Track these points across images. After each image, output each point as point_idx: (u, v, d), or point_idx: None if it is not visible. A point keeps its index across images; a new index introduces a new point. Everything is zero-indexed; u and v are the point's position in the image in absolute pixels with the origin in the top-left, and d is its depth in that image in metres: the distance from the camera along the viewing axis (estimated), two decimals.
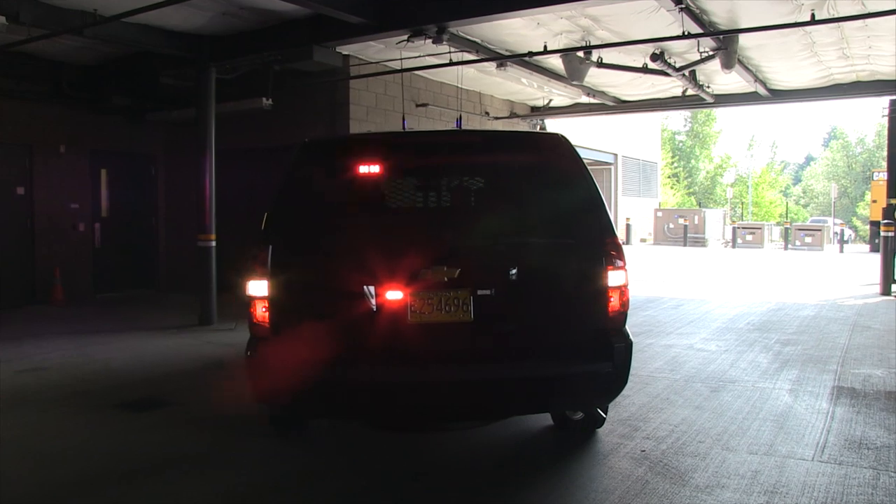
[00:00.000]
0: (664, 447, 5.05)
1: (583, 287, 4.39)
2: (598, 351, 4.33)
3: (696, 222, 32.28)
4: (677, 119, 59.98)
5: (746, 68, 11.84)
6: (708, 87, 13.37)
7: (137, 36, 9.62)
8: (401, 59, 10.51)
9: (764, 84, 13.18)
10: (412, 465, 4.85)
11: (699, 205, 52.78)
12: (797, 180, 74.75)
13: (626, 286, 4.40)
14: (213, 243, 10.53)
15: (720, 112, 58.04)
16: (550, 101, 15.62)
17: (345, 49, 10.78)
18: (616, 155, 27.97)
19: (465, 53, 10.26)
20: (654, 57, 10.57)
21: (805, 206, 65.69)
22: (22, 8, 8.26)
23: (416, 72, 12.14)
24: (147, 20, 9.18)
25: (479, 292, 4.23)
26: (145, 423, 5.88)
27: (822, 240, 29.89)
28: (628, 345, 4.41)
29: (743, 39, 10.16)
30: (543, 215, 4.47)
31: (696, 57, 10.67)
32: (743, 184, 57.91)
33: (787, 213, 42.75)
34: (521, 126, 16.50)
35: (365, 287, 4.22)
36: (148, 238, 14.48)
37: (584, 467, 4.79)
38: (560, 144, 4.56)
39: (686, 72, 11.64)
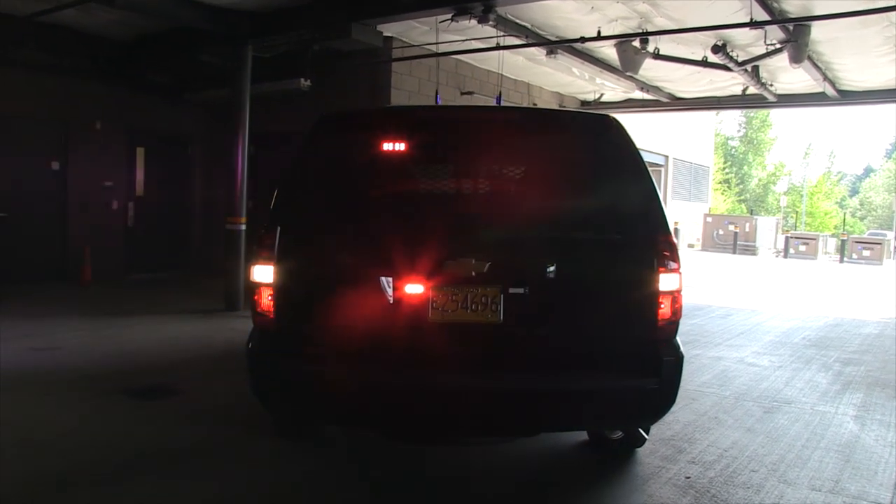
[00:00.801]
0: (712, 474, 4.47)
1: (630, 290, 3.82)
2: (644, 364, 3.76)
3: (748, 230, 31.27)
4: (731, 124, 58.64)
5: (815, 65, 11.07)
6: (771, 85, 12.61)
7: (172, 9, 9.28)
8: (445, 42, 9.99)
9: (833, 84, 12.39)
10: (426, 480, 4.35)
11: (750, 212, 51.44)
12: (854, 192, 72.60)
13: (679, 292, 3.82)
14: (243, 227, 10.16)
15: (777, 118, 56.61)
16: (602, 95, 14.99)
17: (387, 30, 10.30)
18: (667, 157, 27.08)
19: (512, 38, 9.70)
20: (716, 49, 9.91)
21: (862, 218, 63.73)
22: None
23: (462, 58, 11.62)
24: None
25: (511, 290, 3.70)
26: (148, 413, 5.46)
27: (882, 254, 28.69)
28: (679, 359, 3.84)
29: (815, 32, 9.43)
30: (588, 206, 3.89)
31: (762, 50, 9.96)
32: (797, 193, 56.36)
33: (843, 225, 41.24)
34: None
35: (382, 278, 3.72)
36: (182, 219, 14.19)
37: (620, 494, 4.23)
38: (612, 127, 4.00)
39: (748, 67, 10.93)
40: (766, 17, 8.32)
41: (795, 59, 9.51)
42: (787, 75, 12.10)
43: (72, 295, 11.11)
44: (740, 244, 30.38)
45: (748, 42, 10.16)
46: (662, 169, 27.23)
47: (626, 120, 16.04)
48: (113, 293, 11.48)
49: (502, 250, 3.74)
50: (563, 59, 11.04)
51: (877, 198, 66.01)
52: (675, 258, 3.81)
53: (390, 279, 3.71)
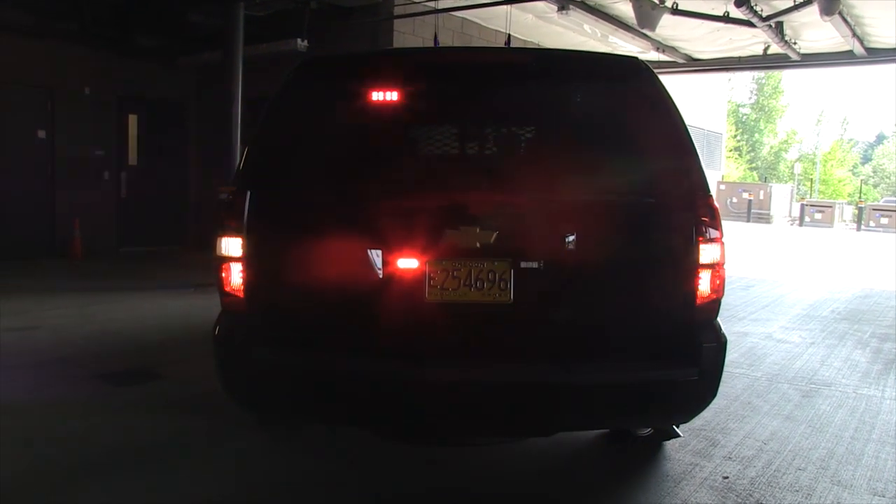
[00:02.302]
0: (753, 473, 3.90)
1: (663, 264, 3.22)
2: (681, 351, 3.17)
3: (762, 197, 30.61)
4: (742, 91, 57.67)
5: (844, 19, 10.32)
6: (794, 43, 11.87)
7: None
8: None
9: (861, 40, 11.63)
10: (429, 479, 3.81)
11: (763, 180, 50.59)
12: (867, 159, 71.36)
13: (721, 265, 3.22)
14: None
15: (789, 84, 55.41)
16: None
17: None
18: None
19: None
20: (739, 2, 9.20)
21: (875, 185, 62.65)
22: None
23: (468, 16, 10.95)
24: None
25: (523, 265, 3.10)
26: (121, 401, 4.92)
27: None
28: (721, 344, 3.25)
29: None
30: (615, 164, 3.26)
31: (789, 3, 9.26)
32: (809, 161, 55.41)
33: (860, 193, 40.40)
34: None
35: (369, 251, 3.13)
36: (177, 189, 13.60)
37: (647, 499, 3.66)
38: (640, 71, 3.37)
39: (772, 22, 10.22)
40: None
41: (827, 11, 8.81)
42: (813, 32, 11.38)
43: (59, 270, 10.61)
44: (754, 212, 29.73)
45: None
46: None
47: None
48: (102, 268, 10.97)
49: (512, 217, 3.14)
50: (576, 16, 10.35)
51: (890, 165, 64.90)
52: (717, 225, 3.22)
53: (380, 251, 3.12)
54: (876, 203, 32.07)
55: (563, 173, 3.24)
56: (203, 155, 13.50)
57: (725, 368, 5.25)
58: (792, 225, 30.19)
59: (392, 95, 3.30)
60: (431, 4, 9.85)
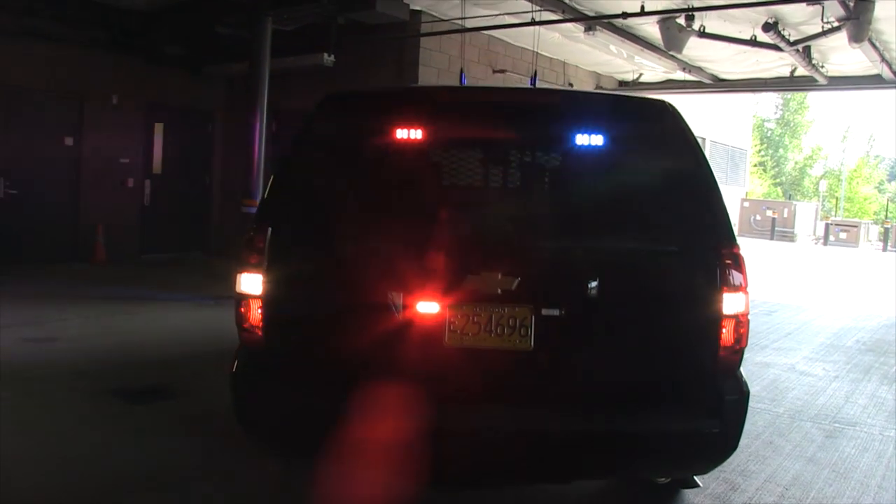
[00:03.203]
0: None
1: (686, 313, 3.17)
2: (702, 403, 3.13)
3: (786, 216, 30.33)
4: (767, 106, 56.99)
5: (873, 45, 10.20)
6: (822, 66, 11.76)
7: None
8: (477, 17, 9.31)
9: (890, 65, 11.50)
10: None
11: (788, 197, 50.15)
12: (893, 176, 70.48)
13: (745, 315, 3.17)
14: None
15: (814, 100, 54.81)
16: (641, 75, 14.22)
17: (415, 3, 9.66)
18: (704, 139, 26.09)
19: (548, 13, 8.99)
20: (767, 27, 9.13)
21: None
22: None
23: (495, 34, 10.94)
24: None
25: (544, 312, 3.07)
26: (136, 420, 4.94)
27: None
28: (744, 396, 3.21)
29: (877, 8, 8.62)
30: (639, 211, 3.24)
31: (817, 28, 9.17)
32: (834, 177, 54.81)
33: (886, 211, 39.91)
34: None
35: (390, 293, 3.11)
36: (200, 198, 13.66)
37: None
38: (668, 115, 3.34)
39: (800, 47, 10.13)
40: None
41: (856, 38, 8.71)
42: (840, 56, 11.28)
43: (82, 276, 10.67)
44: (778, 230, 29.48)
45: (802, 20, 9.38)
46: None
47: (665, 100, 15.18)
48: (124, 274, 11.03)
49: (534, 263, 3.11)
50: (602, 37, 10.31)
51: None
52: (743, 274, 3.16)
53: (400, 295, 3.10)
54: None
55: (588, 219, 3.21)
56: (227, 164, 13.57)
57: None
58: (816, 244, 29.88)
59: (414, 135, 3.28)
60: (459, 23, 9.84)
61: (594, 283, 3.09)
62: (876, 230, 32.40)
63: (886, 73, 11.66)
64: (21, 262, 10.49)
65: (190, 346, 7.15)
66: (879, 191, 60.61)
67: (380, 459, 3.24)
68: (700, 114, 24.12)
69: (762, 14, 9.09)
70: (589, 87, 14.38)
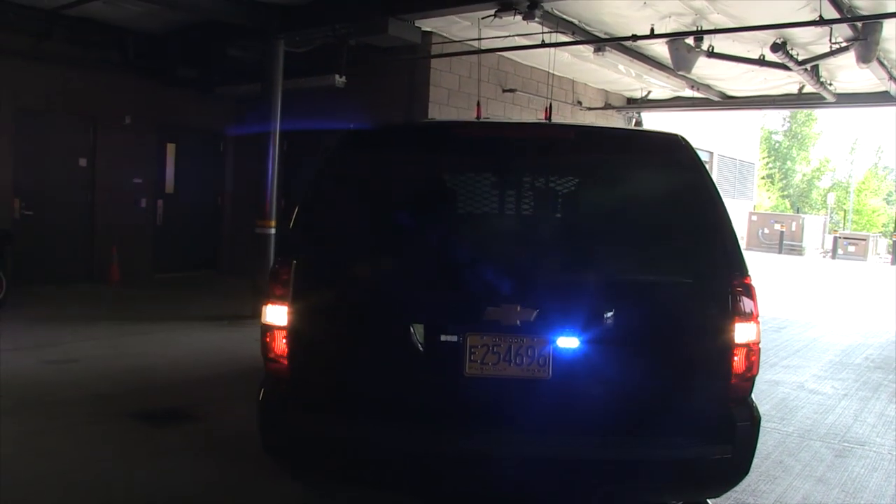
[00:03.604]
0: None
1: (699, 342, 3.27)
2: (715, 429, 3.22)
3: (794, 229, 30.33)
4: (775, 118, 56.98)
5: (882, 63, 10.29)
6: (830, 84, 11.85)
7: (201, 2, 8.86)
8: (488, 38, 9.44)
9: None
10: None
11: (796, 210, 50.12)
12: None
13: (756, 343, 3.26)
14: (273, 231, 9.74)
15: (822, 112, 54.80)
16: (649, 92, 14.32)
17: (426, 25, 9.79)
18: (712, 153, 26.15)
19: (558, 35, 9.11)
20: (775, 47, 9.22)
21: None
22: None
23: (505, 54, 11.07)
24: None
25: (562, 342, 3.17)
26: (158, 445, 5.02)
27: None
28: (755, 421, 3.29)
29: (885, 29, 8.72)
30: (652, 243, 3.34)
31: (825, 48, 9.25)
32: (842, 189, 54.75)
33: (895, 224, 39.84)
34: (616, 119, 15.23)
35: (411, 325, 3.21)
36: (212, 217, 13.82)
37: None
38: (679, 149, 3.45)
39: (808, 66, 10.22)
40: (834, 14, 7.64)
41: (864, 58, 8.80)
42: (848, 74, 11.36)
43: (97, 296, 10.81)
44: (786, 244, 29.47)
45: (810, 40, 9.48)
46: (707, 165, 26.32)
47: (673, 116, 15.28)
48: (139, 294, 11.16)
49: (552, 295, 3.21)
50: (611, 57, 10.44)
51: None
52: (754, 304, 3.25)
53: (421, 326, 3.20)
54: None
55: (604, 252, 3.32)
56: (238, 183, 13.72)
57: None
58: (825, 257, 29.86)
59: (434, 169, 3.40)
60: (474, 43, 9.97)
61: (610, 314, 3.19)
62: (884, 243, 32.33)
63: (894, 90, 11.73)
64: (37, 284, 10.62)
65: (206, 367, 7.25)
66: (888, 202, 60.48)
67: (401, 485, 3.35)
68: (708, 128, 24.25)
69: (771, 34, 9.18)
70: (598, 103, 14.49)
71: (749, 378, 3.28)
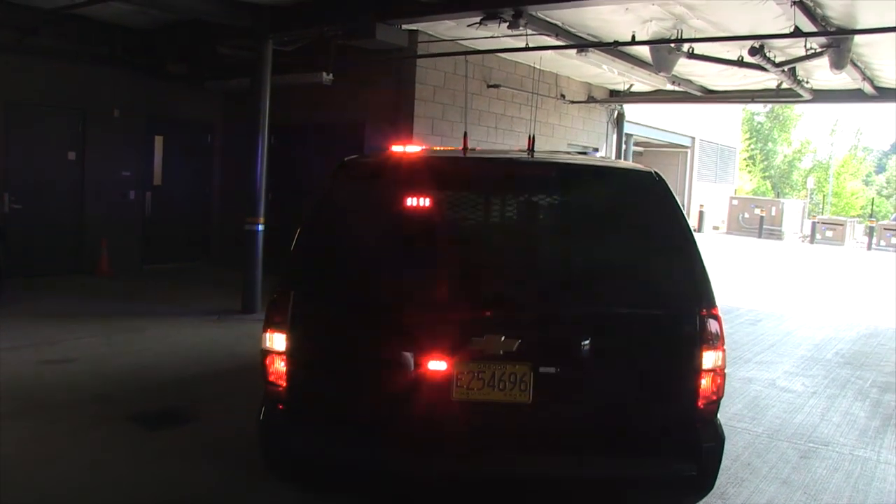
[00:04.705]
0: None
1: (669, 369, 3.55)
2: (682, 449, 3.51)
3: (774, 214, 30.77)
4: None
5: (855, 65, 10.59)
6: (807, 82, 12.16)
7: (190, 3, 8.98)
8: (473, 38, 9.62)
9: (871, 81, 11.91)
10: None
11: (776, 193, 50.70)
12: (881, 169, 71.04)
13: (722, 368, 3.55)
14: (261, 227, 9.93)
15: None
16: (632, 85, 14.55)
17: (413, 25, 9.95)
18: (694, 138, 26.49)
19: (543, 37, 9.32)
20: (753, 51, 9.45)
21: (888, 196, 62.41)
22: None
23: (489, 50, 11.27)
24: None
25: (542, 369, 3.44)
26: (157, 447, 5.24)
27: None
28: (720, 441, 3.58)
29: (857, 36, 9.00)
30: (626, 275, 3.60)
31: (801, 52, 9.52)
32: (822, 170, 55.32)
33: (871, 208, 40.43)
34: (598, 111, 15.47)
35: (403, 352, 3.46)
36: (201, 209, 14.00)
37: None
38: (655, 185, 3.70)
39: (785, 68, 10.50)
40: (809, 23, 7.89)
41: (837, 64, 9.10)
42: (824, 72, 11.58)
43: (88, 289, 10.99)
44: (766, 228, 29.91)
45: (787, 44, 9.75)
46: (689, 150, 26.68)
47: (655, 106, 15.43)
48: (130, 287, 11.35)
49: (534, 326, 3.47)
50: (594, 57, 10.68)
51: None
52: (720, 333, 3.53)
53: (412, 354, 3.45)
54: (886, 222, 32.17)
55: (581, 283, 3.57)
56: (226, 173, 13.87)
57: (729, 422, 5.53)
58: (803, 242, 30.33)
59: (425, 200, 3.63)
60: (459, 43, 10.14)
61: (587, 343, 3.45)
62: (861, 228, 32.87)
63: (868, 89, 12.06)
64: (27, 276, 10.78)
65: (200, 364, 7.46)
66: (866, 183, 61.16)
67: (392, 501, 3.62)
68: (690, 113, 24.54)
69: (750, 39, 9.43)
70: (581, 97, 14.72)
71: (715, 401, 3.56)
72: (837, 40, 8.75)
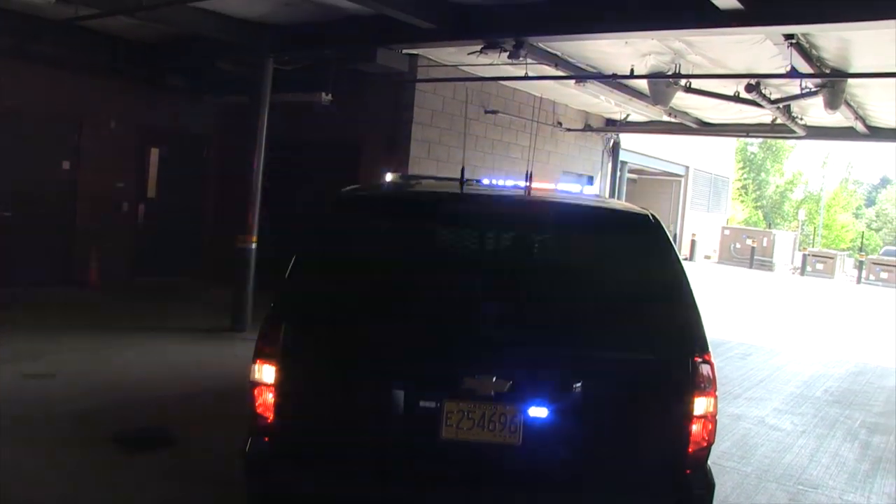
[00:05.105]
0: None
1: (660, 414, 3.53)
2: (672, 494, 3.49)
3: (765, 244, 30.90)
4: None
5: (848, 104, 10.68)
6: (801, 118, 12.23)
7: (194, 19, 8.99)
8: (473, 65, 9.66)
9: (863, 120, 12.00)
10: None
11: (768, 223, 50.94)
12: (870, 202, 71.51)
13: (713, 415, 3.53)
14: (254, 246, 9.88)
15: None
16: (628, 115, 14.61)
17: (414, 49, 9.98)
18: (688, 167, 26.57)
19: (542, 66, 9.36)
20: (750, 88, 9.54)
21: (878, 230, 62.77)
22: None
23: (488, 74, 11.31)
24: (205, 4, 8.46)
25: (532, 411, 3.41)
26: (137, 472, 5.13)
27: None
28: (709, 488, 3.56)
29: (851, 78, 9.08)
30: (620, 319, 3.59)
31: (796, 91, 9.60)
32: (813, 201, 55.65)
33: (861, 242, 40.65)
34: (594, 139, 15.53)
35: (393, 390, 3.43)
36: (193, 223, 13.90)
37: None
38: (651, 228, 3.70)
39: (780, 105, 10.57)
40: (804, 64, 7.94)
41: (831, 105, 9.19)
42: (818, 110, 11.68)
43: (75, 302, 10.88)
44: (757, 259, 30.02)
45: (783, 82, 9.79)
46: (682, 179, 26.77)
47: (651, 135, 15.46)
48: (118, 300, 11.28)
49: (525, 367, 3.44)
50: (593, 87, 10.73)
51: (893, 210, 64.98)
52: (713, 380, 3.51)
53: (402, 392, 3.42)
54: (876, 257, 32.33)
55: (574, 325, 3.55)
56: (221, 188, 13.80)
57: (718, 461, 5.49)
58: (793, 274, 30.44)
59: (418, 237, 3.62)
60: (466, 68, 10.16)
61: (578, 386, 3.43)
62: (851, 261, 33.06)
63: (860, 128, 12.15)
64: (14, 286, 10.63)
65: (184, 383, 7.35)
66: (857, 216, 61.50)
67: None
68: (685, 142, 24.64)
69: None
70: (578, 125, 14.77)
71: (705, 447, 3.54)
72: (832, 81, 8.82)
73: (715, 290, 19.81)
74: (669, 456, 3.53)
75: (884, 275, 28.21)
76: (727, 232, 31.71)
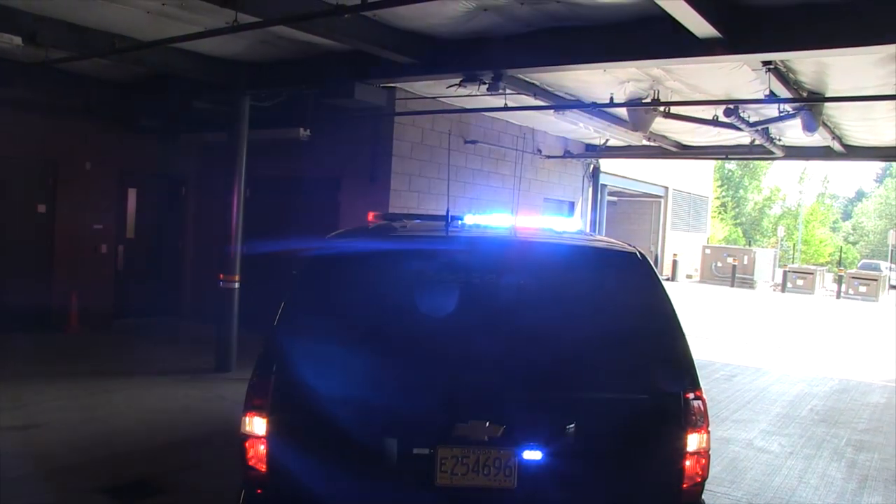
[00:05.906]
0: None
1: (654, 453, 3.52)
2: None
3: (746, 262, 31.11)
4: None
5: (825, 125, 10.82)
6: (779, 139, 12.37)
7: (168, 59, 8.97)
8: (450, 96, 9.69)
9: (840, 140, 12.15)
10: None
11: (747, 240, 51.41)
12: (847, 216, 72.42)
13: (706, 450, 3.52)
14: (237, 285, 9.81)
15: None
16: (607, 140, 14.71)
17: (392, 83, 10.01)
18: (667, 188, 26.83)
19: (522, 96, 9.41)
20: (728, 112, 9.62)
21: (854, 243, 63.52)
22: (40, 27, 7.64)
23: (467, 104, 11.36)
24: (179, 45, 8.43)
25: (527, 454, 3.38)
26: None
27: (878, 290, 28.57)
28: None
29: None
30: (610, 358, 3.58)
31: (774, 114, 9.71)
32: (791, 217, 56.27)
33: (840, 256, 41.05)
34: (574, 165, 15.61)
35: (386, 437, 3.39)
36: (173, 262, 13.81)
37: None
38: (638, 266, 3.70)
39: (759, 128, 10.69)
40: (782, 88, 8.04)
41: (809, 127, 9.30)
42: (796, 131, 11.79)
43: (56, 347, 10.73)
44: (738, 277, 30.20)
45: (761, 105, 9.90)
46: (662, 200, 26.99)
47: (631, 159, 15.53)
48: (99, 344, 11.12)
49: (518, 412, 3.42)
50: (572, 115, 10.77)
51: (868, 223, 65.86)
52: (705, 417, 3.51)
53: (395, 439, 3.38)
54: (854, 271, 32.63)
55: (566, 367, 3.54)
56: (200, 227, 13.72)
57: (708, 487, 5.44)
58: (774, 291, 30.63)
59: (406, 285, 3.61)
60: (445, 100, 10.20)
61: (571, 427, 3.41)
62: (830, 276, 33.37)
63: (836, 147, 12.30)
64: None
65: (171, 430, 7.23)
66: (834, 230, 62.19)
67: None
68: (664, 164, 24.84)
69: (724, 97, 9.61)
70: (557, 152, 14.85)
71: (699, 482, 3.53)
72: (810, 105, 8.93)
73: (698, 310, 19.90)
74: (664, 493, 3.51)
75: (862, 288, 28.46)
76: (708, 251, 31.94)
